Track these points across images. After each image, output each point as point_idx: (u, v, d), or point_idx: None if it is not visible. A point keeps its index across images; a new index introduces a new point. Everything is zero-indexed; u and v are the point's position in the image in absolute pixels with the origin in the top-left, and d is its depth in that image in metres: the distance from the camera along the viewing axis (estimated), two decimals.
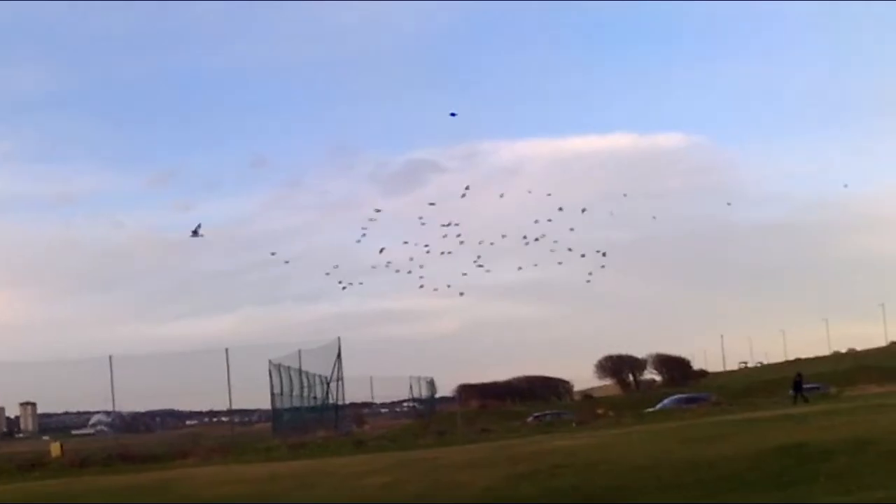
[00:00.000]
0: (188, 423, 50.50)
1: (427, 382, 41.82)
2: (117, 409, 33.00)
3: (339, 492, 13.31)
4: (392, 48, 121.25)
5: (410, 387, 40.16)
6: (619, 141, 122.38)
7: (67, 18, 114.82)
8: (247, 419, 38.93)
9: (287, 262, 40.42)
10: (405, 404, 42.95)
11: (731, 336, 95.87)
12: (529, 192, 46.57)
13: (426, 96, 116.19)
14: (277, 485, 14.68)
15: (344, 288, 33.79)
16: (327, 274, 34.60)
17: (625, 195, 50.22)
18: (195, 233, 29.82)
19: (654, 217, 47.31)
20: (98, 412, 41.83)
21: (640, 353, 59.96)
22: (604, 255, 36.72)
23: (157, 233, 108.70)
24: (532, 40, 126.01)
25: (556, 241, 34.98)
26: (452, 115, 54.58)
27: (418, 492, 12.26)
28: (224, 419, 37.73)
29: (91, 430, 44.91)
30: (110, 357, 27.21)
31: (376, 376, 36.59)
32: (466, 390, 54.94)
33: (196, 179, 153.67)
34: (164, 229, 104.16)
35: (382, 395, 40.70)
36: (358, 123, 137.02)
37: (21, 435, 58.33)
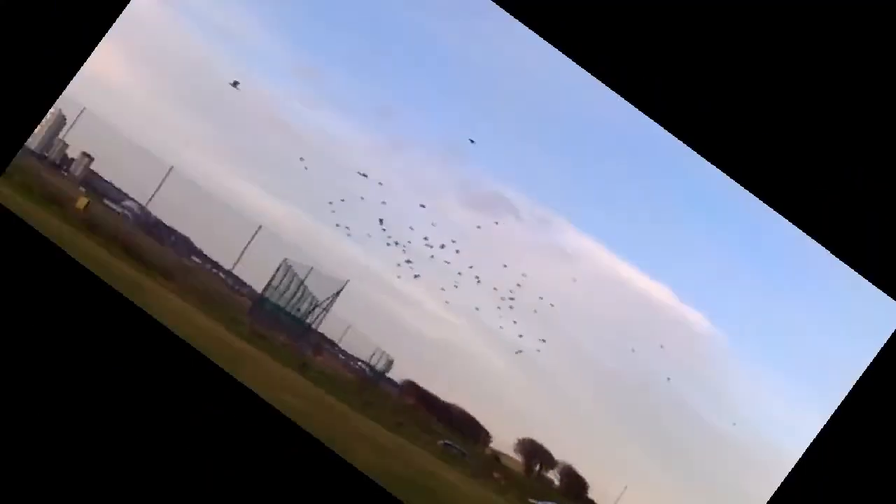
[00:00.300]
0: (193, 258, 52.74)
1: (388, 361, 43.45)
2: (150, 208, 35.03)
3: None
4: None
5: (373, 355, 41.94)
6: None
7: None
8: (237, 288, 41.08)
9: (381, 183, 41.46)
10: (360, 363, 44.49)
11: None
12: None
13: None
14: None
15: (388, 245, 35.05)
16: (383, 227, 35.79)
17: None
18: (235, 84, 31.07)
19: None
20: (133, 199, 43.88)
21: None
22: None
23: None
24: None
25: None
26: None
27: None
28: (221, 275, 39.59)
29: (117, 209, 47.06)
30: (171, 168, 29.19)
31: (354, 328, 38.43)
32: (412, 385, 55.39)
33: None
34: None
35: (350, 346, 42.64)
36: None
37: (65, 173, 61.03)
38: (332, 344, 39.47)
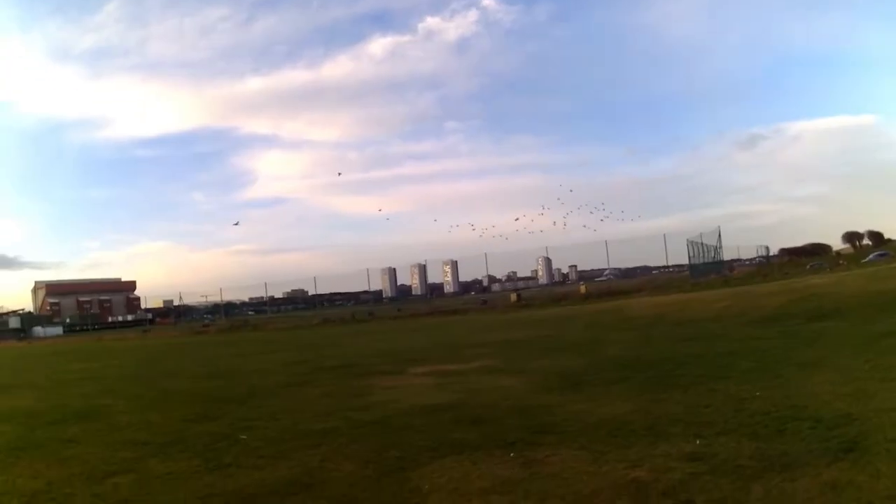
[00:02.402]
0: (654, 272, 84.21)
1: (765, 248, 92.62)
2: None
3: (695, 311, 23.78)
4: None
5: (757, 250, 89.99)
6: None
7: None
8: (675, 270, 65.24)
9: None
10: (756, 260, 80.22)
11: None
12: None
13: None
14: (677, 305, 26.65)
15: None
16: None
17: None
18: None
19: None
20: (609, 268, 76.50)
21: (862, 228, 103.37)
22: None
23: None
24: None
25: None
26: None
27: (739, 310, 21.53)
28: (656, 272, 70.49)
29: (604, 278, 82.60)
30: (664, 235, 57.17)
31: (741, 247, 77.40)
32: (785, 252, 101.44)
33: None
34: None
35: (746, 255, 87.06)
36: None
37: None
38: (736, 260, 78.58)
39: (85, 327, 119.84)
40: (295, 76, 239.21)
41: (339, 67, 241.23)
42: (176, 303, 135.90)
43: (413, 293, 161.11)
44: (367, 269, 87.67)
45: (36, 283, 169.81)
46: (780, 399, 8.09)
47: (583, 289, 53.94)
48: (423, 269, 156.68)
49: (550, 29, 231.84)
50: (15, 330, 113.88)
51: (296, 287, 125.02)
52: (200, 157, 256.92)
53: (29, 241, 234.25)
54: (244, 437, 8.77)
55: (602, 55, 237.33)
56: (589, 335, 20.35)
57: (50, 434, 10.20)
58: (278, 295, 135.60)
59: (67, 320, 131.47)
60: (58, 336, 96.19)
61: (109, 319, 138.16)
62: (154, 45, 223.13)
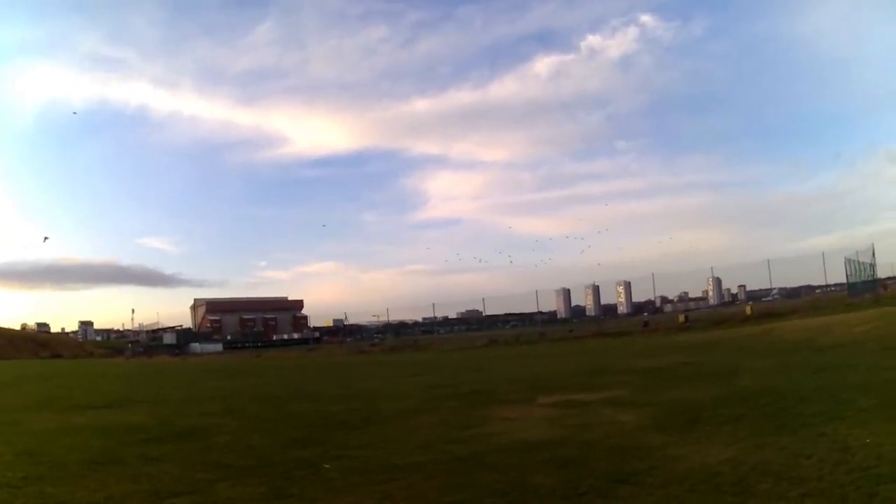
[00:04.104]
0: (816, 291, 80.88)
1: None
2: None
3: (838, 335, 23.82)
4: None
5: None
6: None
7: None
8: (836, 289, 61.20)
9: None
10: None
11: None
12: None
13: None
14: (824, 328, 26.85)
15: None
16: None
17: None
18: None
19: None
20: (777, 288, 75.66)
21: None
22: None
23: None
24: None
25: None
26: None
27: (881, 333, 21.55)
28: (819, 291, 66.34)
29: (770, 298, 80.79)
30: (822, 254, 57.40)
31: None
32: None
33: None
34: None
35: None
36: None
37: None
38: (891, 278, 67.31)
39: (246, 345, 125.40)
40: (461, 97, 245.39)
41: (505, 87, 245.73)
42: (343, 322, 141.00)
43: (587, 314, 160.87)
44: (537, 291, 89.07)
45: (195, 300, 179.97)
46: (888, 449, 7.30)
47: (748, 310, 52.97)
48: (596, 290, 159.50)
49: (708, 44, 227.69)
50: (169, 346, 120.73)
51: (470, 308, 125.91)
52: (370, 177, 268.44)
53: (189, 259, 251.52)
54: (328, 466, 8.74)
55: (760, 69, 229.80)
56: (731, 362, 19.95)
57: (139, 450, 10.51)
58: (452, 315, 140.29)
59: (228, 337, 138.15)
60: (216, 353, 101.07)
61: (274, 337, 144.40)
62: (313, 67, 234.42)
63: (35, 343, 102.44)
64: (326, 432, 11.84)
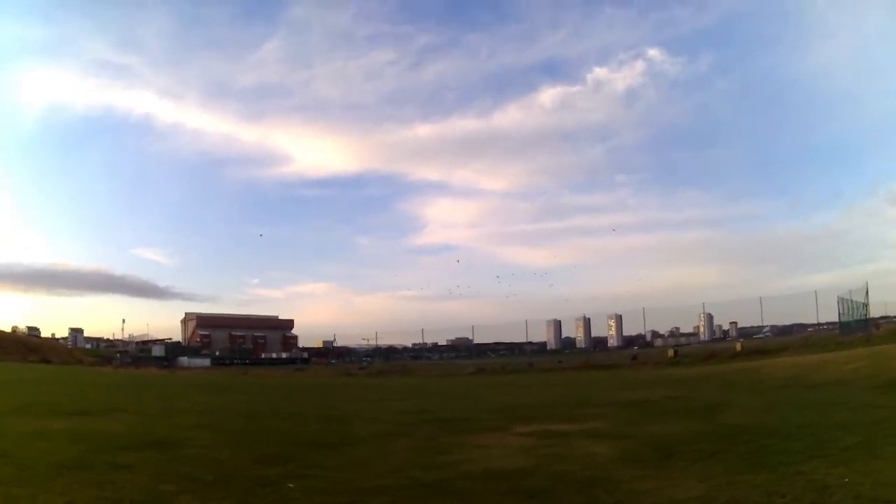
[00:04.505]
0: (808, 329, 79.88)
1: None
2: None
3: (828, 373, 24.08)
4: None
5: None
6: None
7: None
8: (828, 328, 61.08)
9: None
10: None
11: None
12: None
13: None
14: (814, 366, 27.26)
15: None
16: None
17: None
18: None
19: None
20: (768, 325, 76.74)
21: None
22: None
23: None
24: None
25: None
26: None
27: (869, 372, 21.52)
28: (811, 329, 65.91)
29: (761, 336, 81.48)
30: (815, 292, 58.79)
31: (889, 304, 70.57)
32: None
33: None
34: None
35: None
36: None
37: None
38: (885, 318, 65.27)
39: (234, 361, 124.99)
40: (465, 124, 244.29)
41: (508, 116, 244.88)
42: (332, 344, 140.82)
43: (577, 345, 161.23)
44: (527, 321, 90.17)
45: (186, 314, 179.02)
46: (867, 488, 7.26)
47: (738, 346, 53.42)
48: (587, 322, 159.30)
49: (713, 80, 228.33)
50: (158, 358, 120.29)
51: (460, 335, 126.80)
52: (368, 200, 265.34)
53: (182, 272, 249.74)
54: (291, 485, 8.78)
55: (764, 105, 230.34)
56: (717, 398, 20.16)
57: (109, 458, 10.52)
58: (442, 342, 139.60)
59: (217, 353, 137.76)
60: (204, 367, 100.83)
61: (262, 356, 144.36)
62: (318, 86, 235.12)
63: (25, 346, 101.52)
64: (297, 451, 11.89)
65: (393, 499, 7.96)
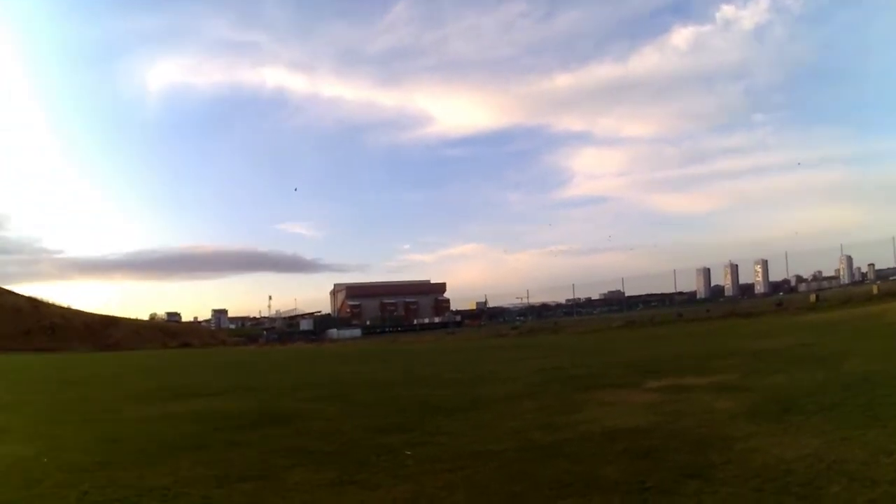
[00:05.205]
0: None
1: None
2: None
3: None
4: None
5: None
6: None
7: None
8: None
9: None
10: None
11: None
12: None
13: None
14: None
15: None
16: None
17: None
18: None
19: None
20: None
21: None
22: None
23: None
24: None
25: None
26: None
27: None
28: None
29: None
30: None
31: None
32: None
33: None
34: None
35: None
36: None
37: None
38: None
39: (385, 329, 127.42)
40: (603, 71, 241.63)
41: (644, 60, 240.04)
42: (484, 305, 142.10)
43: (726, 294, 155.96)
44: (674, 270, 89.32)
45: (335, 285, 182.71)
46: None
47: (875, 289, 51.99)
48: (734, 269, 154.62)
49: (836, 13, 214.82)
50: (306, 332, 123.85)
51: (612, 288, 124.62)
52: (512, 155, 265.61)
53: (329, 244, 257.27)
54: (409, 452, 8.66)
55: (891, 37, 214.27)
56: (844, 345, 19.21)
57: (227, 436, 10.73)
58: (595, 296, 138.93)
59: (368, 322, 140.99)
60: (354, 338, 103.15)
61: (415, 322, 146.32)
62: (452, 44, 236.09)
63: (164, 332, 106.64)
64: (422, 417, 11.80)
65: (503, 463, 7.74)
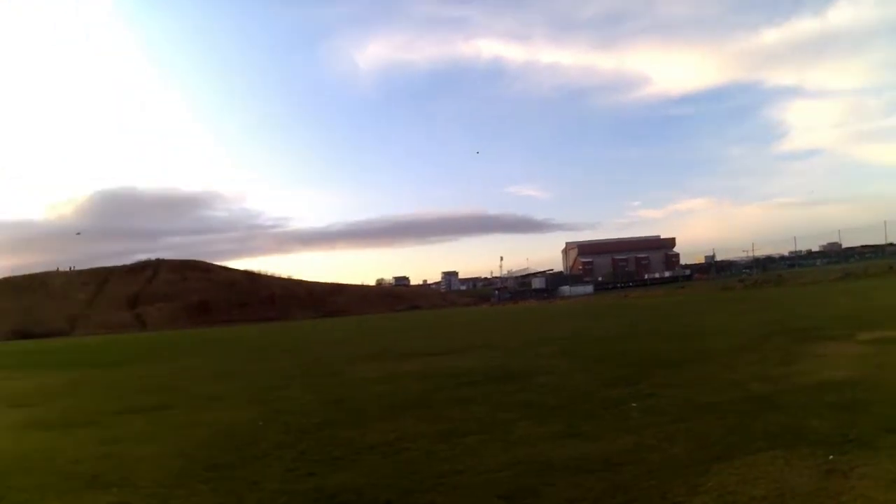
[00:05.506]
0: None
1: None
2: None
3: None
4: None
5: None
6: None
7: None
8: None
9: None
10: None
11: None
12: None
13: None
14: None
15: None
16: None
17: None
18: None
19: None
20: None
21: None
22: None
23: None
24: None
25: None
26: None
27: None
28: None
29: None
30: None
31: None
32: None
33: None
34: None
35: None
36: None
37: None
38: None
39: (616, 285, 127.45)
40: (804, 26, 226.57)
41: (841, 13, 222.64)
42: (712, 258, 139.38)
43: None
44: (885, 222, 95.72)
45: (567, 244, 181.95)
46: None
47: None
48: None
49: None
50: (538, 290, 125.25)
51: (831, 240, 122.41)
52: (731, 111, 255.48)
53: (558, 203, 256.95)
54: (634, 405, 8.79)
55: None
56: None
57: (451, 394, 11.23)
58: (815, 248, 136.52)
59: (599, 279, 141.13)
60: (585, 295, 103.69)
61: (645, 277, 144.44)
62: (662, 7, 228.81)
63: (391, 297, 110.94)
64: (648, 371, 11.90)
65: (721, 415, 7.77)
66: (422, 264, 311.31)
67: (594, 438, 7.14)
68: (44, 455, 8.58)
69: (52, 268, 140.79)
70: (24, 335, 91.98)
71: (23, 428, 11.16)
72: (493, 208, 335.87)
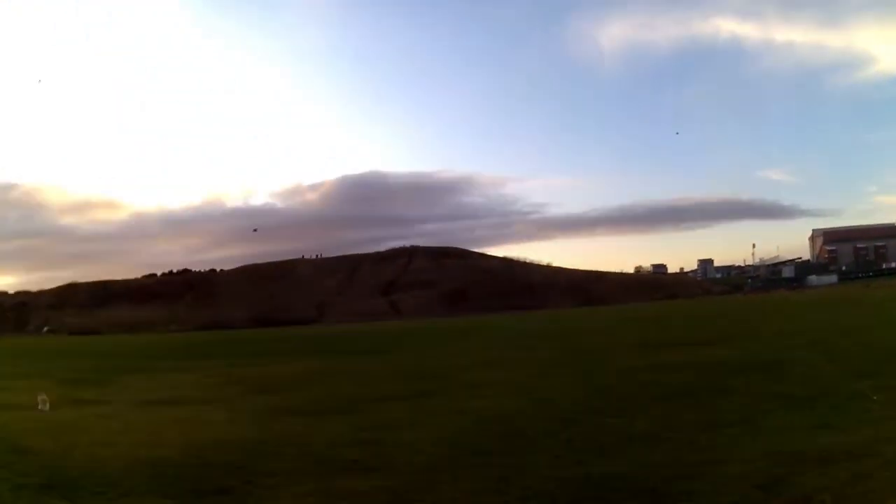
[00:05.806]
0: None
1: None
2: None
3: None
4: None
5: None
6: None
7: None
8: None
9: None
10: None
11: None
12: None
13: None
14: None
15: None
16: None
17: None
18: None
19: None
20: None
21: None
22: None
23: None
24: None
25: None
26: None
27: None
28: None
29: None
30: None
31: None
32: None
33: None
34: None
35: None
36: None
37: None
38: None
39: (859, 275, 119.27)
40: None
41: None
42: None
43: None
44: None
45: (813, 231, 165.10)
46: None
47: None
48: None
49: None
50: (787, 279, 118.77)
51: None
52: None
53: (804, 188, 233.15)
54: (875, 397, 8.88)
55: None
56: None
57: (711, 383, 11.69)
58: None
59: (843, 268, 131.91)
60: (830, 284, 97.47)
61: (883, 266, 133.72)
62: None
63: (648, 285, 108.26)
64: (890, 364, 12.02)
65: None
66: (677, 251, 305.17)
67: (839, 430, 7.30)
68: (295, 440, 8.90)
69: (297, 255, 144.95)
70: (266, 322, 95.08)
71: (271, 414, 11.59)
72: (744, 193, 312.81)
